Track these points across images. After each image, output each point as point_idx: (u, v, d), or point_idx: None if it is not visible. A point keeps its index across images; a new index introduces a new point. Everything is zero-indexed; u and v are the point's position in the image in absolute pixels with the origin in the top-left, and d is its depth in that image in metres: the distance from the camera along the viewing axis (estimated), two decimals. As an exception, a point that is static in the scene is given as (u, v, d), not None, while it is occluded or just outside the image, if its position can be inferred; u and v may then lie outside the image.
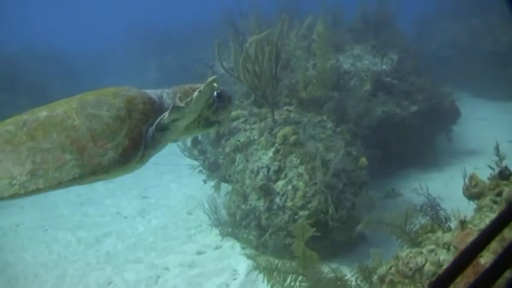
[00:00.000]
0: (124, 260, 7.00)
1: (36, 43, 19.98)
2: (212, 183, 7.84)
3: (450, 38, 16.16)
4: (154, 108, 2.77)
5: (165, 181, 10.38)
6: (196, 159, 8.01)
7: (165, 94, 2.93)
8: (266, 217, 6.31)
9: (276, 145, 6.41)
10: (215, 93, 2.91)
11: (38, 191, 2.48)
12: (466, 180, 4.38)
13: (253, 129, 7.00)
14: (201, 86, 2.64)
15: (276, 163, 6.35)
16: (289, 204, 6.06)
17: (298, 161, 6.16)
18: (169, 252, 7.13)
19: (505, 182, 4.12)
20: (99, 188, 10.06)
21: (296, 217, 6.01)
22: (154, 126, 2.70)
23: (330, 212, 5.84)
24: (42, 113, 2.64)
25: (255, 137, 6.83)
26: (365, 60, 9.12)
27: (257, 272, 4.51)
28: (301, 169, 6.11)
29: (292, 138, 6.22)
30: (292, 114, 6.86)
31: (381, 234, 5.05)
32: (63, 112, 2.62)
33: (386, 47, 9.83)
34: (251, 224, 6.59)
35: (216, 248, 7.10)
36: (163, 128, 2.73)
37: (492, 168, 4.29)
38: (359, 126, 7.15)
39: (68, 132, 2.55)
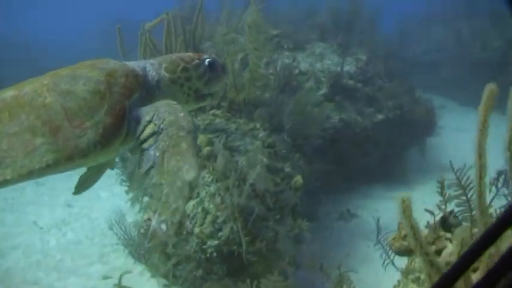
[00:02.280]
0: (20, 280, 6.08)
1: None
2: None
3: (437, 42, 15.04)
4: (138, 81, 2.51)
5: (97, 188, 9.08)
6: (113, 167, 6.82)
7: (148, 65, 2.67)
8: (174, 243, 5.13)
9: (190, 157, 5.21)
10: (206, 62, 2.68)
11: (5, 183, 2.18)
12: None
13: (170, 135, 5.77)
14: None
15: (188, 178, 5.16)
16: (196, 230, 4.87)
17: (211, 178, 4.96)
18: (73, 274, 6.18)
19: (449, 234, 2.96)
20: (29, 191, 9.04)
21: (204, 246, 4.83)
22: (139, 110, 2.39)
23: (244, 244, 4.64)
24: (9, 92, 2.34)
25: (171, 146, 5.60)
26: (327, 60, 7.91)
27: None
28: (213, 188, 4.92)
29: (206, 149, 5.01)
30: (217, 120, 5.63)
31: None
32: (33, 90, 2.32)
33: (355, 47, 8.63)
34: (154, 249, 5.42)
35: (126, 272, 6.09)
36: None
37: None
38: (300, 136, 5.95)
39: (38, 112, 2.25)
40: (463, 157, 9.61)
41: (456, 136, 10.89)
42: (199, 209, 4.94)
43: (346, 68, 7.84)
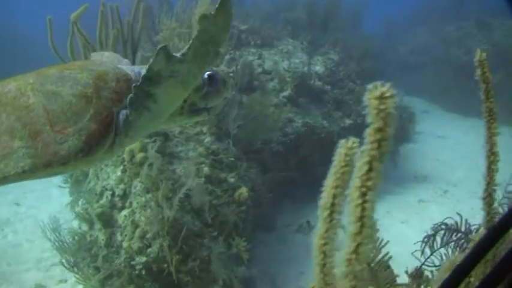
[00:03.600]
0: (-51, 284, 5.72)
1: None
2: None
3: (422, 44, 14.59)
4: (130, 86, 2.28)
5: (50, 185, 8.56)
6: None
7: (143, 71, 2.30)
8: (104, 255, 4.66)
9: (125, 163, 4.71)
10: (206, 75, 2.49)
11: None
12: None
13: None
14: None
15: (122, 186, 4.70)
16: (125, 245, 4.40)
17: (143, 187, 4.47)
18: (6, 281, 5.81)
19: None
20: (-22, 187, 8.38)
21: (133, 262, 4.36)
22: (128, 100, 2.16)
23: (173, 263, 4.17)
24: None
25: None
26: (295, 58, 7.41)
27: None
28: (145, 199, 4.43)
29: (139, 156, 4.50)
30: (160, 122, 5.13)
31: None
32: (16, 88, 2.20)
33: (329, 46, 8.13)
34: (87, 259, 4.95)
35: (60, 281, 5.74)
36: (138, 103, 2.16)
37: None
38: (254, 142, 5.46)
39: (20, 113, 2.12)
40: (437, 166, 9.13)
41: (435, 143, 10.47)
42: (130, 220, 4.47)
43: (316, 68, 7.35)
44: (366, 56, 9.28)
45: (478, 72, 1.60)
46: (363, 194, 1.06)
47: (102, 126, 2.18)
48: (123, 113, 2.26)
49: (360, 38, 10.58)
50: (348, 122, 7.05)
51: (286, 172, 6.51)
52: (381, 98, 0.96)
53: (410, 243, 6.20)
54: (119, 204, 4.72)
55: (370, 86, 1.00)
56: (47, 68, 2.36)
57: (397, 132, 6.64)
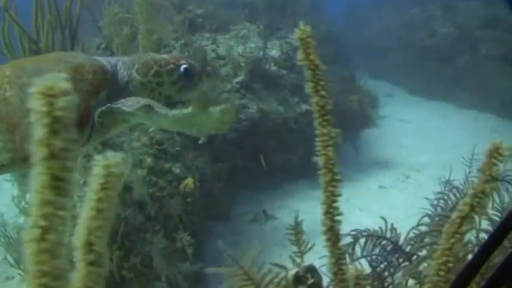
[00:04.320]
0: None
1: None
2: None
3: (387, 27, 14.49)
4: (107, 79, 2.37)
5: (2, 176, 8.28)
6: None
7: (120, 64, 2.51)
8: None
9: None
10: (182, 68, 2.54)
11: None
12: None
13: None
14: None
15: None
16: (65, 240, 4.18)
17: (82, 180, 4.26)
18: None
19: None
20: None
21: (74, 259, 4.14)
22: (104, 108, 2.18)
23: (114, 259, 3.98)
24: None
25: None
26: (251, 43, 7.21)
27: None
28: (83, 193, 4.22)
29: (77, 147, 4.29)
30: (103, 110, 4.90)
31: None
32: None
33: (288, 29, 7.94)
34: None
35: (7, 278, 5.55)
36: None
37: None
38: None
39: None
40: (400, 151, 9.02)
41: (398, 127, 10.40)
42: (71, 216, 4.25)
43: (272, 52, 7.16)
44: (325, 39, 9.11)
45: (300, 54, 1.41)
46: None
47: (79, 119, 2.12)
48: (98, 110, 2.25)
49: (322, 22, 10.40)
50: (304, 107, 6.88)
51: (241, 160, 6.36)
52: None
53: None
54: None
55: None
56: (23, 60, 2.41)
57: (358, 118, 6.51)
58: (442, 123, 10.68)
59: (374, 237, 2.21)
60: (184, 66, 2.55)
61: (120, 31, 5.05)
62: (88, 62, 2.36)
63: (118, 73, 2.50)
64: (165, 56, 2.65)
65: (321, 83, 1.37)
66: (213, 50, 6.68)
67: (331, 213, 1.59)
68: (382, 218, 2.47)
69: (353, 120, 7.78)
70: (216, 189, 5.49)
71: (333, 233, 1.60)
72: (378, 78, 13.98)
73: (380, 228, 2.31)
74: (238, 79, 6.41)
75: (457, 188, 2.78)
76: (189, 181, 4.55)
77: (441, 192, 2.87)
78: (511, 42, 10.65)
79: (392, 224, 2.35)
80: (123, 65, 2.53)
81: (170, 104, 2.54)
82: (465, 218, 1.43)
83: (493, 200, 2.41)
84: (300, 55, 1.38)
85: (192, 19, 7.35)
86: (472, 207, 1.41)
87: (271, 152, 6.72)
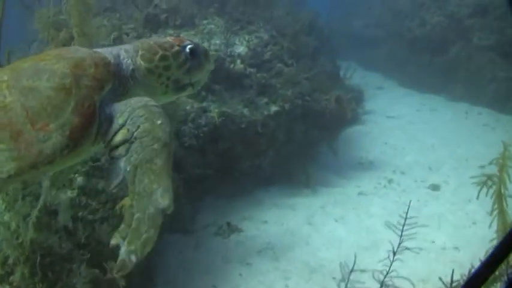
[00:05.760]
0: None
1: None
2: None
3: (377, 17, 13.97)
4: (110, 71, 2.26)
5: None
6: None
7: (123, 52, 2.45)
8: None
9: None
10: (187, 49, 2.48)
11: None
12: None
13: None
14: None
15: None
16: (-16, 272, 3.75)
17: (4, 205, 3.82)
18: None
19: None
20: None
21: (-7, 294, 3.73)
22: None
23: (36, 294, 3.54)
24: None
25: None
26: (217, 39, 6.68)
27: None
28: (7, 217, 3.79)
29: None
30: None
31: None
32: None
33: (258, 23, 7.42)
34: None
35: None
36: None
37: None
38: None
39: None
40: (385, 150, 8.44)
41: (385, 124, 9.86)
42: (-2, 241, 3.81)
43: (239, 49, 6.64)
44: (306, 31, 8.60)
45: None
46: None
47: (85, 117, 2.09)
48: (107, 104, 2.18)
49: (305, 13, 9.89)
50: (273, 109, 6.35)
51: (204, 168, 5.88)
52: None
53: (342, 247, 5.63)
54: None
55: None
56: (20, 61, 2.28)
57: (335, 117, 5.94)
58: (432, 119, 10.15)
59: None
60: (189, 46, 2.49)
61: (56, 35, 4.57)
62: (89, 56, 2.27)
63: (122, 63, 2.41)
64: (168, 38, 2.57)
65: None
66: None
67: None
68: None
69: (330, 120, 7.24)
70: (175, 200, 5.00)
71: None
72: (370, 69, 13.51)
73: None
74: (198, 80, 5.91)
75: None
76: (127, 201, 4.05)
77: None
78: (503, 31, 10.09)
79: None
80: (126, 54, 2.45)
81: (179, 88, 2.53)
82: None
83: None
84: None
85: (155, 15, 6.86)
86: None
87: (237, 158, 6.24)
